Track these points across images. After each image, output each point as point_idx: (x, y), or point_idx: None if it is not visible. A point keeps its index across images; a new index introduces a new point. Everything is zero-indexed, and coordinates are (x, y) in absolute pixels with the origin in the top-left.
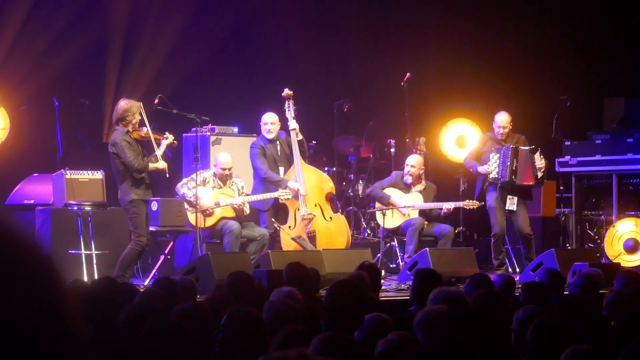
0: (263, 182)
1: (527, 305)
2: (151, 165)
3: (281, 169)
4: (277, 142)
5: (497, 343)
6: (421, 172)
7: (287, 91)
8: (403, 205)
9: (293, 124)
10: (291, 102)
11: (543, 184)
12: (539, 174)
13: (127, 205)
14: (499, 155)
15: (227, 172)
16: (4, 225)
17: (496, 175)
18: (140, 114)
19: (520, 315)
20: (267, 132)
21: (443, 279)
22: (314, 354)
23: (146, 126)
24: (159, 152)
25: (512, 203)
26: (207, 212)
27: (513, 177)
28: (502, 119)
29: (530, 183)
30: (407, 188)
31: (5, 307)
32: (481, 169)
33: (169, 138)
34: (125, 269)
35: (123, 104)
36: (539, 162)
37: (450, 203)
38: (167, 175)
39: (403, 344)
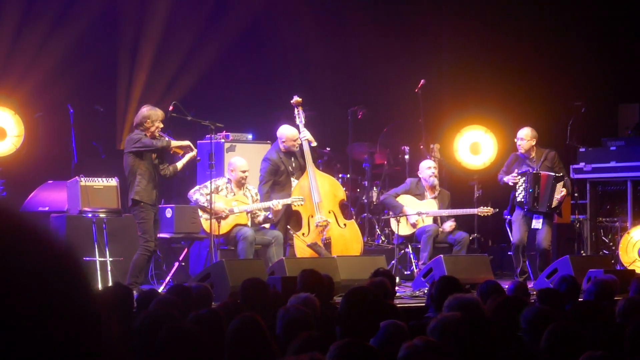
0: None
1: (535, 306)
2: (174, 143)
3: (294, 182)
4: (292, 154)
5: (511, 350)
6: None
7: (296, 98)
8: (415, 213)
9: (306, 133)
10: (300, 109)
11: (553, 213)
12: (554, 203)
13: (135, 209)
14: (524, 179)
15: (246, 174)
16: (41, 231)
17: (522, 200)
18: (162, 123)
19: (526, 315)
20: (293, 148)
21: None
22: None
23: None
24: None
25: (537, 223)
26: (221, 216)
27: (535, 204)
28: (521, 131)
29: (542, 211)
30: (421, 195)
31: (42, 310)
32: (507, 178)
33: (194, 151)
34: (137, 275)
35: (145, 110)
36: (559, 192)
37: (463, 210)
38: (194, 154)
39: (427, 349)
